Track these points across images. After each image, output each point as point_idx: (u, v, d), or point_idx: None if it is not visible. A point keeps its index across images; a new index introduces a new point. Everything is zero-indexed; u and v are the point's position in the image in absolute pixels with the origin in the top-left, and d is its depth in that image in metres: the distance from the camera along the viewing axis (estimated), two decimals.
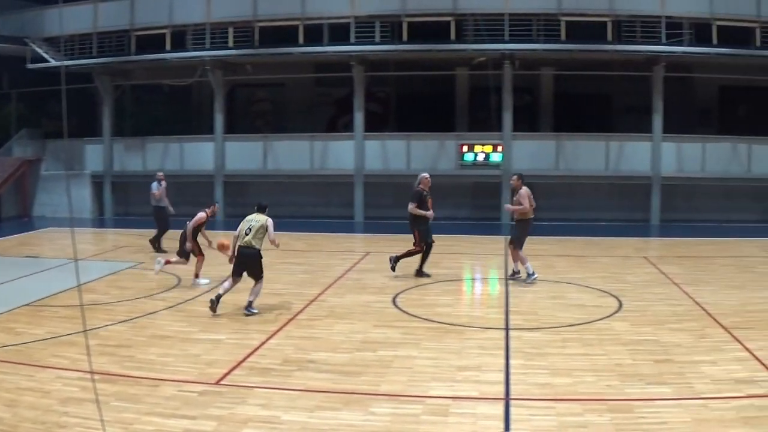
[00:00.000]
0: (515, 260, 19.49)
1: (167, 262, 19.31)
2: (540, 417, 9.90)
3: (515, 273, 19.50)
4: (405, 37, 32.50)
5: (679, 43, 31.77)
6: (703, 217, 33.55)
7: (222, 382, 11.25)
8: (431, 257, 20.13)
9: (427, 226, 19.82)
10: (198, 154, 35.89)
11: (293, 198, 35.09)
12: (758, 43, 31.70)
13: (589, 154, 33.50)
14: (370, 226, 32.49)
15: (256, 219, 16.03)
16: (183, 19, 34.45)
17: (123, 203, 37.40)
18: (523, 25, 31.92)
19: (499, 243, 26.29)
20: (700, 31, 31.93)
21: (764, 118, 34.76)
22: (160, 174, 25.30)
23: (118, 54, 35.30)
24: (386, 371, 11.82)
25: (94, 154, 37.29)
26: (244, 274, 15.99)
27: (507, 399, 10.63)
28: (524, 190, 19.25)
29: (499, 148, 33.46)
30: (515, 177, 19.78)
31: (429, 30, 32.48)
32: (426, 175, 20.29)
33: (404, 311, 16.13)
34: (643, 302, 17.00)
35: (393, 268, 19.91)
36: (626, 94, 36.40)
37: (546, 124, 36.89)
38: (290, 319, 15.32)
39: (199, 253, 19.11)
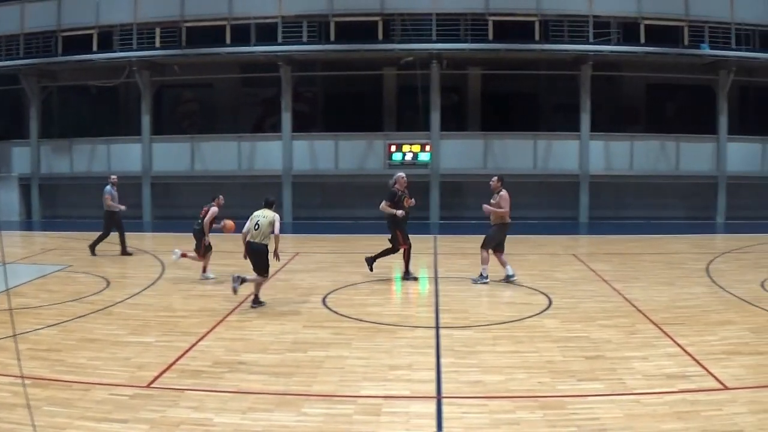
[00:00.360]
0: (484, 263, 19.28)
1: (183, 255, 19.75)
2: (472, 415, 9.86)
3: (509, 277, 19.26)
4: (332, 37, 32.45)
5: (607, 42, 32.09)
6: (631, 214, 33.94)
7: (153, 385, 11.05)
8: (388, 259, 20.10)
9: (406, 225, 19.70)
10: (125, 156, 35.43)
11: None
12: (686, 42, 32.13)
13: (517, 153, 33.69)
14: (298, 226, 32.30)
15: (264, 215, 16.38)
16: (110, 20, 33.98)
17: (51, 206, 36.86)
18: (450, 25, 32.02)
19: (427, 242, 26.33)
20: (627, 30, 32.27)
21: (692, 115, 35.27)
22: (114, 177, 24.77)
23: (44, 55, 34.72)
24: (318, 371, 11.71)
25: (21, 157, 36.70)
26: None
27: (439, 397, 10.58)
28: (504, 193, 19.00)
29: (428, 148, 33.55)
30: (495, 178, 19.43)
31: (356, 30, 32.43)
32: (402, 174, 20.12)
33: (334, 311, 16.02)
34: (573, 299, 17.13)
35: (413, 279, 19.85)
36: (554, 92, 36.70)
37: (474, 124, 36.98)
38: (220, 321, 15.12)
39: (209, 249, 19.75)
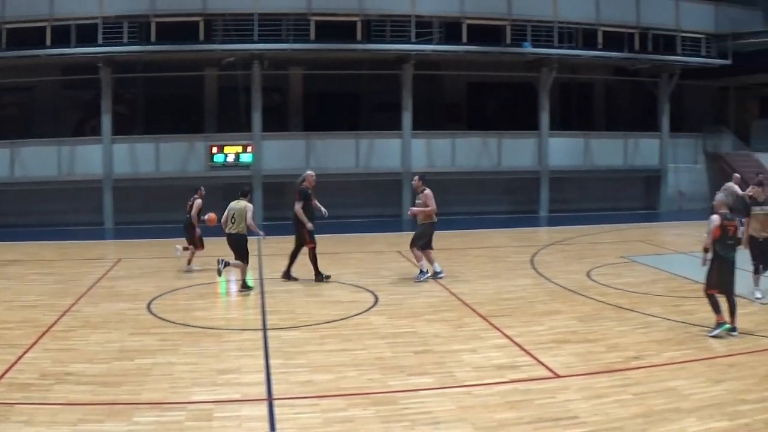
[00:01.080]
0: (419, 260, 19.17)
1: (185, 248, 21.22)
2: (305, 415, 9.83)
3: (422, 273, 19.12)
4: (153, 37, 31.82)
5: (429, 42, 32.47)
6: (455, 210, 34.30)
7: None
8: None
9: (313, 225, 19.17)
10: None
11: (42, 205, 33.75)
12: (508, 41, 32.78)
13: (339, 152, 33.81)
14: (120, 232, 31.68)
15: (237, 206, 18.08)
16: None
17: None
18: (272, 25, 31.86)
19: (250, 243, 26.15)
20: (450, 30, 32.75)
21: (512, 113, 36.09)
22: None
23: None
24: (146, 379, 11.44)
25: None
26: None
27: (270, 399, 10.51)
28: (429, 192, 18.97)
29: (249, 149, 33.31)
30: (416, 178, 19.49)
31: (178, 30, 31.92)
32: (311, 172, 19.63)
33: (159, 317, 15.70)
34: (399, 296, 17.34)
35: (325, 279, 19.26)
36: (376, 92, 37.00)
37: (296, 124, 37.01)
38: (45, 332, 14.55)
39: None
